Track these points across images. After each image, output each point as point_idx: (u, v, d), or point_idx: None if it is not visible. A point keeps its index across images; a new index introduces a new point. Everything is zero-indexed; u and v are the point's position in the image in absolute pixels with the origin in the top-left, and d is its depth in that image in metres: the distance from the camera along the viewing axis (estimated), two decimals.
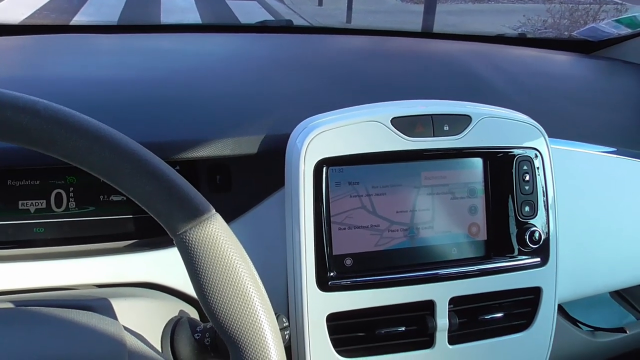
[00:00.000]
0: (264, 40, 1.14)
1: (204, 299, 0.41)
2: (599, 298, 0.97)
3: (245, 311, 0.40)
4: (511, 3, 10.10)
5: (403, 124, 0.65)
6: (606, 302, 0.98)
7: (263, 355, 0.41)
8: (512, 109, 0.74)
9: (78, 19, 6.63)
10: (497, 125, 0.70)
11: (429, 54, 1.09)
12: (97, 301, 0.51)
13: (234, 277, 0.40)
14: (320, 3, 8.87)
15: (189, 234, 0.40)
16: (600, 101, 1.00)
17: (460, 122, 0.67)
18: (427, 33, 1.31)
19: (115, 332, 0.44)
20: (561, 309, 0.88)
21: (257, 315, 0.41)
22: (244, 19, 6.14)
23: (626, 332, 0.86)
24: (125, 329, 0.47)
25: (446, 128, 0.67)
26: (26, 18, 6.51)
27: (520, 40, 1.40)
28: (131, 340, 0.45)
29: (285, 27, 1.29)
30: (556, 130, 0.82)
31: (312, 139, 0.62)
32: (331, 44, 1.14)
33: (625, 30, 1.28)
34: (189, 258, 0.40)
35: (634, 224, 0.83)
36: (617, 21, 1.31)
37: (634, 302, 0.96)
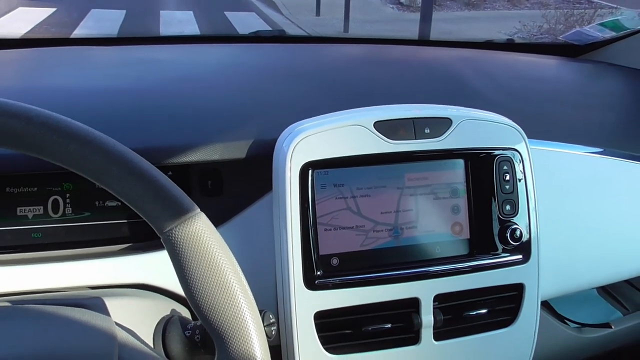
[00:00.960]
0: (257, 49, 1.17)
1: (189, 293, 0.43)
2: (586, 295, 0.99)
3: (228, 304, 0.43)
4: (507, 9, 10.17)
5: (385, 128, 0.68)
6: (593, 299, 1.00)
7: (246, 346, 0.43)
8: (496, 112, 0.76)
9: (78, 33, 6.69)
10: (477, 127, 0.72)
11: (416, 61, 1.11)
12: (90, 300, 0.53)
13: (217, 272, 0.43)
14: (317, 13, 8.93)
15: (175, 232, 0.43)
16: (585, 103, 1.02)
17: (441, 125, 0.70)
18: (416, 40, 1.34)
19: (106, 327, 0.46)
20: (548, 306, 0.91)
21: (240, 308, 0.43)
22: (243, 30, 6.19)
23: (612, 328, 0.88)
24: (118, 325, 0.50)
25: (427, 131, 0.69)
26: (27, 32, 6.58)
27: (508, 46, 1.43)
28: (122, 334, 0.47)
29: (278, 37, 1.32)
30: (540, 131, 0.84)
31: (298, 142, 0.65)
32: (321, 52, 1.17)
33: (609, 34, 1.31)
34: (175, 254, 0.43)
35: (616, 221, 0.86)
36: (602, 24, 1.34)
37: (620, 298, 0.98)
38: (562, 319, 0.90)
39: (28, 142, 0.42)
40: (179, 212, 0.43)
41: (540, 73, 1.16)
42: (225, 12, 8.65)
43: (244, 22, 7.85)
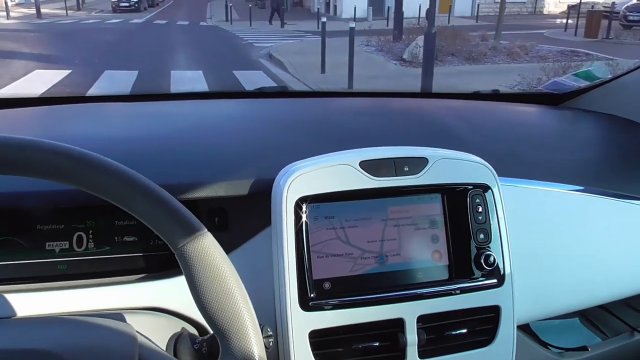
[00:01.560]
0: (260, 103, 1.29)
1: (197, 297, 0.52)
2: (568, 323, 1.06)
3: (230, 307, 0.52)
4: (507, 63, 10.47)
5: (369, 166, 0.77)
6: (575, 327, 1.06)
7: (245, 342, 0.51)
8: (472, 153, 0.85)
9: (92, 92, 6.94)
10: (451, 165, 0.82)
11: (403, 110, 1.23)
12: (112, 314, 0.62)
13: (221, 280, 0.52)
14: (323, 71, 9.22)
15: (186, 247, 0.52)
16: (560, 146, 1.11)
17: (418, 164, 0.80)
18: (406, 93, 1.45)
19: (127, 330, 0.54)
20: (531, 333, 0.97)
21: (240, 310, 0.52)
22: (250, 87, 6.41)
23: (588, 350, 0.94)
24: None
25: (406, 169, 0.79)
26: (43, 92, 6.85)
27: (494, 96, 1.54)
28: (141, 338, 0.56)
29: (280, 92, 1.45)
30: (516, 170, 0.93)
31: (293, 180, 0.75)
32: (318, 105, 1.28)
33: (583, 83, 1.43)
34: (186, 266, 0.52)
35: (588, 251, 0.93)
36: (576, 75, 1.45)
37: (600, 325, 1.05)
38: (544, 344, 0.97)
39: (67, 175, 0.52)
40: (190, 231, 0.52)
41: (520, 119, 1.26)
42: (234, 71, 8.95)
43: (252, 80, 8.13)
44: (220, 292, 0.52)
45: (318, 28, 12.91)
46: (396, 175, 0.78)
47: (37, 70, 9.00)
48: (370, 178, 0.77)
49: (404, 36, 12.74)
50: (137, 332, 0.58)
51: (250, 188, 0.79)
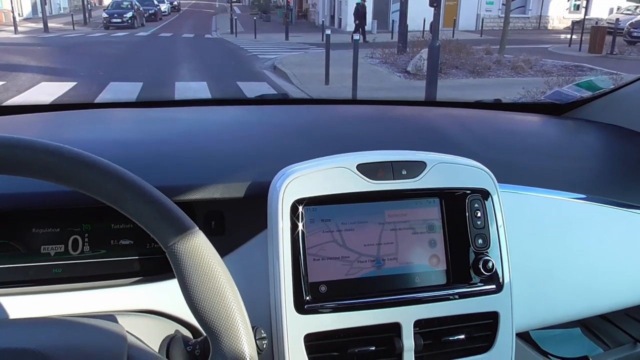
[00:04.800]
0: (260, 110, 1.29)
1: (188, 296, 0.51)
2: (570, 334, 1.05)
3: (221, 306, 0.51)
4: (511, 77, 10.49)
5: (367, 170, 0.77)
6: (577, 337, 1.05)
7: (236, 341, 0.50)
8: (473, 160, 0.84)
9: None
10: (449, 169, 0.81)
11: (404, 117, 1.22)
12: (104, 316, 0.61)
13: (212, 279, 0.51)
14: (327, 82, 9.26)
15: (177, 245, 0.51)
16: (563, 155, 1.11)
17: (416, 167, 0.79)
18: (408, 101, 1.45)
19: (117, 330, 0.54)
20: (532, 342, 0.96)
21: (231, 309, 0.51)
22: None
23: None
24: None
25: (404, 172, 0.78)
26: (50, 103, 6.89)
27: (496, 105, 1.53)
28: (131, 338, 0.55)
29: (281, 100, 1.45)
30: (516, 177, 0.93)
31: (289, 182, 0.74)
32: (318, 111, 1.28)
33: (586, 93, 1.42)
34: (177, 265, 0.51)
35: (589, 259, 0.92)
36: (578, 85, 1.45)
37: (602, 336, 1.03)
38: (545, 354, 0.96)
39: (59, 174, 0.51)
40: (181, 230, 0.52)
41: (522, 129, 1.26)
42: (238, 82, 9.00)
43: (255, 91, 8.14)
44: (211, 291, 0.51)
45: (322, 40, 13.00)
46: (394, 179, 0.78)
47: (43, 83, 9.08)
48: (368, 181, 0.77)
49: (408, 49, 12.80)
50: (127, 332, 0.57)
51: (246, 190, 0.79)
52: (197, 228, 0.53)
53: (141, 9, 26.81)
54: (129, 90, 8.35)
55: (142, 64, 11.98)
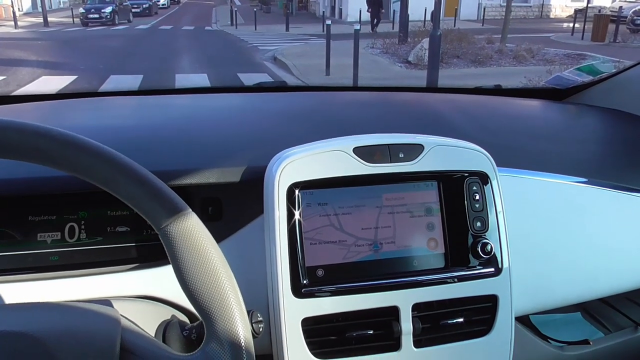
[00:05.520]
0: (258, 97, 1.28)
1: (181, 278, 0.51)
2: (571, 318, 1.04)
3: (215, 288, 0.50)
4: (513, 66, 10.44)
5: (363, 153, 0.76)
6: (578, 321, 1.04)
7: (230, 323, 0.50)
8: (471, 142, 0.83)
9: None
10: (448, 152, 0.80)
11: (402, 103, 1.21)
12: (100, 301, 0.61)
13: (205, 260, 0.51)
14: (327, 73, 9.23)
15: (170, 227, 0.51)
16: (564, 140, 1.10)
17: (414, 150, 0.78)
18: (407, 87, 1.44)
19: (111, 313, 0.53)
20: (532, 326, 0.96)
21: (225, 291, 0.51)
22: None
23: (590, 344, 0.92)
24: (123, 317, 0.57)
25: (401, 155, 0.77)
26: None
27: (497, 91, 1.52)
28: (125, 322, 0.55)
29: (279, 87, 1.44)
30: (516, 161, 0.92)
31: (285, 166, 0.73)
32: (316, 98, 1.27)
33: (587, 77, 1.41)
34: (170, 246, 0.51)
35: (589, 243, 0.92)
36: (579, 69, 1.44)
37: (603, 320, 1.03)
38: (545, 338, 0.95)
39: (51, 157, 0.51)
40: (174, 211, 0.51)
41: (522, 114, 1.25)
42: (238, 74, 8.99)
43: (256, 82, 8.12)
44: (204, 273, 0.50)
45: (323, 31, 12.94)
46: (391, 162, 0.77)
47: (43, 77, 9.07)
48: (365, 164, 0.76)
49: (409, 39, 12.73)
50: (122, 316, 0.56)
51: (242, 175, 0.78)
52: (190, 210, 0.52)
53: (126, 3, 24.33)
54: (130, 82, 8.33)
55: (143, 57, 11.95)
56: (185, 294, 0.51)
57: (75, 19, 22.57)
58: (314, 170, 0.74)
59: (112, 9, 21.64)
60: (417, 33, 12.58)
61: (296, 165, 0.74)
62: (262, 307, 0.74)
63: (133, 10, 24.94)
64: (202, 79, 8.63)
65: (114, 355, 0.49)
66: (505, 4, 14.46)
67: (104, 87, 8.02)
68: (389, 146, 0.77)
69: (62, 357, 0.47)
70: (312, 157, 0.75)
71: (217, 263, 0.51)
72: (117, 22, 21.70)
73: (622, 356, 1.01)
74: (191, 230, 0.51)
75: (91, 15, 21.18)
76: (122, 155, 0.52)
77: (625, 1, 18.59)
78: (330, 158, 0.75)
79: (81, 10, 21.79)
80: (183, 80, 8.59)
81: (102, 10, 21.30)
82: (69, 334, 0.49)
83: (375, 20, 17.06)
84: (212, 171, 0.77)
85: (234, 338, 0.50)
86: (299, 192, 0.74)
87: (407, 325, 0.75)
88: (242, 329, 0.50)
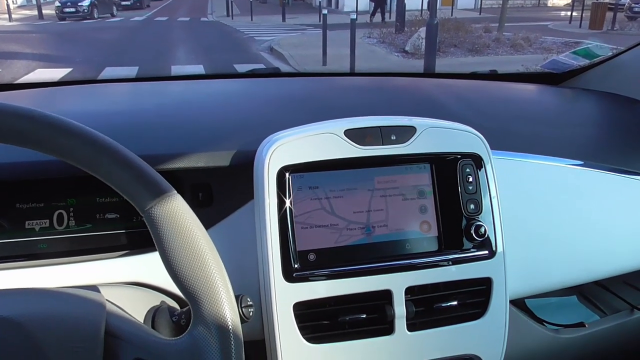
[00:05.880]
0: (252, 83, 1.26)
1: (166, 261, 0.50)
2: (566, 301, 1.03)
3: (201, 270, 0.49)
4: (510, 54, 10.40)
5: (355, 135, 0.75)
6: (573, 305, 1.04)
7: (217, 306, 0.49)
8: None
9: None
10: (440, 134, 0.79)
11: (396, 88, 1.20)
12: (86, 287, 0.60)
13: (191, 242, 0.50)
14: (324, 63, 9.18)
15: (154, 209, 0.50)
16: (560, 123, 1.09)
17: (406, 132, 0.77)
18: (402, 73, 1.42)
19: (96, 298, 0.52)
20: (527, 310, 0.95)
21: (211, 273, 0.50)
22: None
23: (585, 326, 0.92)
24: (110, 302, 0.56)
25: (393, 137, 0.76)
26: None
27: (493, 76, 1.51)
28: (111, 306, 0.54)
29: (272, 73, 1.42)
30: (511, 144, 0.91)
31: (275, 149, 0.72)
32: (309, 84, 1.26)
33: (583, 61, 1.40)
34: (155, 229, 0.50)
35: (586, 226, 0.91)
36: (574, 53, 1.42)
37: (598, 303, 1.02)
38: (540, 321, 0.95)
39: (32, 138, 0.49)
40: (158, 193, 0.50)
41: (518, 98, 1.24)
42: (235, 65, 8.94)
43: None
44: (190, 255, 0.49)
45: (319, 21, 12.86)
46: (383, 144, 0.76)
47: (38, 70, 9.01)
48: (356, 147, 0.75)
49: (406, 28, 12.67)
50: (109, 301, 0.55)
51: (232, 159, 0.77)
52: (175, 191, 0.51)
53: None
54: (125, 75, 8.25)
55: (138, 49, 11.87)
56: (171, 277, 0.50)
57: (46, 13, 20.22)
58: (304, 153, 0.73)
59: (91, 1, 19.55)
60: (414, 22, 12.51)
61: (286, 148, 0.73)
62: (253, 292, 0.73)
63: (123, 3, 23.37)
64: (198, 70, 8.58)
65: (98, 339, 0.48)
66: None
67: (101, 77, 7.99)
68: (380, 128, 0.76)
69: (45, 342, 0.46)
70: (302, 140, 0.74)
71: (203, 245, 0.50)
72: (96, 16, 19.63)
73: (617, 338, 1.01)
74: (176, 212, 0.50)
75: (67, 9, 19.06)
76: (106, 137, 0.51)
77: None
78: (321, 141, 0.74)
79: (56, 3, 19.37)
80: (179, 71, 8.54)
81: (79, 4, 19.21)
82: (51, 318, 0.49)
83: (380, 10, 16.85)
84: (201, 155, 0.76)
85: (221, 321, 0.49)
86: (289, 175, 0.73)
87: (400, 308, 0.74)
88: (229, 312, 0.50)
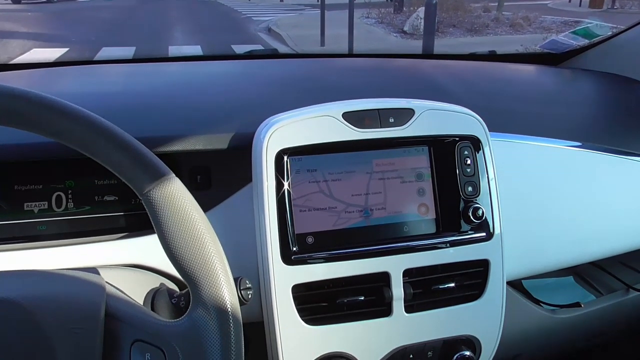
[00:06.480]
0: (250, 64, 1.25)
1: (165, 244, 0.50)
2: (563, 282, 1.04)
3: (200, 252, 0.50)
4: (509, 34, 10.32)
5: (353, 118, 0.75)
6: (570, 285, 1.05)
7: (215, 288, 0.49)
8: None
9: None
10: (439, 116, 0.79)
11: (394, 69, 1.19)
12: (86, 269, 0.60)
13: (189, 225, 0.50)
14: (322, 44, 9.12)
15: (152, 192, 0.50)
16: (559, 104, 1.09)
17: (404, 115, 0.77)
18: (400, 54, 1.41)
19: (95, 280, 0.53)
20: (524, 291, 0.96)
21: (210, 255, 0.50)
22: None
23: (581, 306, 0.93)
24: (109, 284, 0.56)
25: (392, 120, 0.76)
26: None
27: (491, 57, 1.50)
28: (110, 288, 0.54)
29: (270, 55, 1.41)
30: (509, 126, 0.91)
31: (273, 132, 0.72)
32: (307, 65, 1.25)
33: (582, 41, 1.39)
34: (153, 212, 0.50)
35: (582, 206, 0.91)
36: (574, 33, 1.41)
37: (594, 283, 1.03)
38: (537, 301, 0.95)
39: (27, 120, 0.49)
40: (156, 176, 0.50)
41: (517, 78, 1.24)
42: (232, 46, 8.88)
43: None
44: (189, 238, 0.49)
45: (317, 1, 12.73)
46: (381, 127, 0.76)
47: (34, 49, 8.92)
48: (354, 129, 0.75)
49: (404, 8, 12.55)
50: (108, 283, 0.56)
51: (230, 142, 0.77)
52: (173, 174, 0.51)
53: None
54: (122, 55, 8.19)
55: (135, 29, 11.76)
56: (170, 260, 0.51)
57: None
58: (302, 136, 0.73)
59: None
60: (412, 2, 12.39)
61: (284, 131, 0.73)
62: (252, 275, 0.73)
63: None
64: (195, 51, 8.51)
65: (98, 320, 0.48)
66: None
67: (98, 58, 7.92)
68: (378, 111, 0.76)
69: (45, 323, 0.46)
70: (300, 122, 0.74)
71: (202, 228, 0.50)
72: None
73: (612, 318, 1.02)
74: (174, 194, 0.50)
75: None
76: (103, 119, 0.51)
77: None
78: (319, 123, 0.74)
79: None
80: (176, 52, 8.46)
81: None
82: (51, 299, 0.49)
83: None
84: (200, 138, 0.76)
85: (220, 303, 0.49)
86: (287, 158, 0.73)
87: (398, 290, 0.75)
88: (228, 294, 0.50)
